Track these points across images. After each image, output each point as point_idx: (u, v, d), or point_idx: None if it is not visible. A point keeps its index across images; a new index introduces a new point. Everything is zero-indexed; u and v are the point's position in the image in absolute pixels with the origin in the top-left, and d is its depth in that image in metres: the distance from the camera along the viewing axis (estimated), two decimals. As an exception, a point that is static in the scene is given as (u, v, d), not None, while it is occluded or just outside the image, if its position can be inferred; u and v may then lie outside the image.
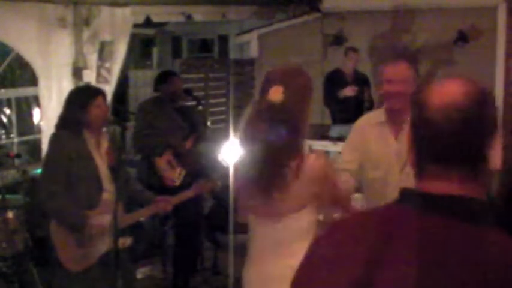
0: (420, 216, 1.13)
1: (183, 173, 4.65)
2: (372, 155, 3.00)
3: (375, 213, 1.27)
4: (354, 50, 6.64)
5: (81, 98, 3.35)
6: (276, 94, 2.14)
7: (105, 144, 3.39)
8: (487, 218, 1.12)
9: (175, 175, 4.62)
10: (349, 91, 6.33)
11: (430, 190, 1.15)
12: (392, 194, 1.24)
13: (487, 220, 1.11)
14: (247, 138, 2.23)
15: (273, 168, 2.15)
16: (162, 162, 4.61)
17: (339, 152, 6.19)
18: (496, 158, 1.17)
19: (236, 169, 2.35)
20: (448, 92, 1.15)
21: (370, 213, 1.34)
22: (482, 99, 1.15)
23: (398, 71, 2.94)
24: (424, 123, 1.16)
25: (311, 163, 2.17)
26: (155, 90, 4.95)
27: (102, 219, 3.25)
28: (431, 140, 1.15)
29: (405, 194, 1.20)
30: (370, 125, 3.07)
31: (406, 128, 2.93)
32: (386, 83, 2.93)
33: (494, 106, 1.19)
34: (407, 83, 2.90)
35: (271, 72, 2.28)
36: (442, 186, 1.14)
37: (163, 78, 4.88)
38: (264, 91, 2.20)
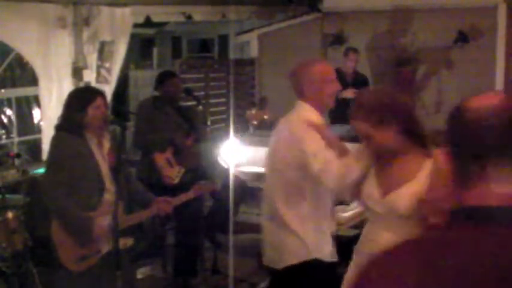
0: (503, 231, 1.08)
1: (182, 171, 4.66)
2: None
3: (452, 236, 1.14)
4: (354, 50, 6.65)
5: (81, 99, 3.35)
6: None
7: (107, 144, 3.39)
8: None
9: (174, 173, 4.63)
10: (349, 93, 6.32)
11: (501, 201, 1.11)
12: None
13: None
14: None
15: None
16: (161, 160, 4.62)
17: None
18: None
19: None
20: (486, 97, 1.17)
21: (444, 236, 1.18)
22: None
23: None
24: (466, 126, 1.16)
25: None
26: (155, 90, 4.96)
27: (103, 219, 3.25)
28: (480, 139, 1.14)
29: (473, 211, 1.13)
30: None
31: None
32: None
33: None
34: None
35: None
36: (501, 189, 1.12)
37: (163, 79, 4.88)
38: None
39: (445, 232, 1.16)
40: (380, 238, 2.40)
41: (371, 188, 2.50)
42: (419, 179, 2.36)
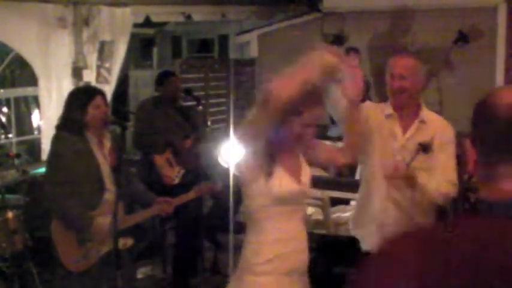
0: None
1: (182, 171, 4.66)
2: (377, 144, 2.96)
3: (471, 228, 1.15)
4: (355, 50, 6.61)
5: (80, 98, 3.35)
6: None
7: (107, 144, 3.39)
8: None
9: (174, 173, 4.63)
10: None
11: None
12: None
13: None
14: None
15: None
16: (161, 160, 4.61)
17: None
18: None
19: None
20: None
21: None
22: None
23: (402, 66, 2.86)
24: (496, 122, 1.15)
25: None
26: (156, 90, 4.96)
27: (103, 219, 3.25)
28: (506, 137, 1.14)
29: (496, 205, 1.15)
30: (383, 114, 2.99)
31: (416, 125, 2.91)
32: (390, 78, 2.87)
33: None
34: (412, 78, 2.84)
35: None
36: None
37: (163, 79, 4.88)
38: None
39: (451, 224, 1.16)
40: None
41: None
42: None
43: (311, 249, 2.66)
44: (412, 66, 2.86)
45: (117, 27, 5.59)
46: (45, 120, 5.35)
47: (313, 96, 2.27)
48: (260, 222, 2.38)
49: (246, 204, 2.42)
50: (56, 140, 3.34)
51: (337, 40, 7.65)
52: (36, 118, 7.27)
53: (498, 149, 1.15)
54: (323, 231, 4.16)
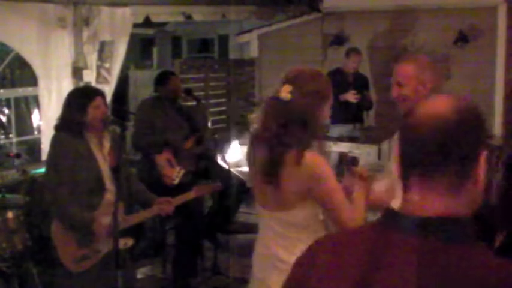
0: (407, 239, 1.12)
1: (182, 172, 4.65)
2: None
3: (362, 234, 1.24)
4: (356, 51, 6.58)
5: (80, 99, 3.35)
6: (284, 92, 2.22)
7: (107, 144, 3.39)
8: (468, 237, 1.11)
9: (175, 174, 4.62)
10: (350, 97, 6.30)
11: (414, 210, 1.14)
12: None
13: (468, 239, 1.11)
14: (256, 130, 2.35)
15: (268, 159, 2.23)
16: (161, 160, 4.61)
17: (340, 152, 6.18)
18: (481, 175, 1.14)
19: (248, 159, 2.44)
20: (435, 103, 1.15)
21: (356, 233, 1.30)
22: (468, 114, 1.14)
23: (400, 73, 2.67)
24: (409, 131, 1.15)
25: (309, 159, 2.19)
26: (156, 90, 4.95)
27: (104, 219, 3.25)
28: (415, 148, 1.14)
29: (390, 216, 1.18)
30: None
31: None
32: (396, 86, 2.67)
33: (481, 122, 1.16)
34: (412, 84, 2.62)
35: (289, 71, 2.32)
36: (426, 201, 1.13)
37: (163, 79, 4.88)
38: (277, 88, 2.27)
39: (367, 231, 1.23)
40: None
41: None
42: None
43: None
44: (410, 73, 2.64)
45: (117, 27, 5.59)
46: (45, 120, 5.35)
47: None
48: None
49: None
50: (55, 141, 3.34)
51: (337, 40, 7.65)
52: (36, 118, 7.27)
53: (411, 162, 1.16)
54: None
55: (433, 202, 1.13)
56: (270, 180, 2.23)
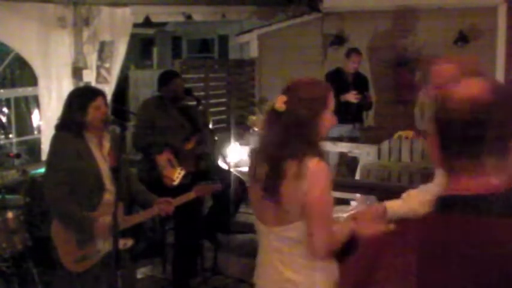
0: (468, 219, 1.14)
1: (183, 172, 4.65)
2: None
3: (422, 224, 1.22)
4: (357, 51, 6.57)
5: (81, 99, 3.35)
6: (279, 103, 2.22)
7: (107, 144, 3.39)
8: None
9: (175, 174, 4.61)
10: (351, 97, 6.29)
11: (462, 191, 1.16)
12: None
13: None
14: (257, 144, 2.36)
15: (269, 172, 2.21)
16: (162, 161, 4.61)
17: (340, 152, 6.19)
18: None
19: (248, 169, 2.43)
20: (469, 86, 1.18)
21: (416, 223, 1.27)
22: (503, 93, 1.17)
23: (444, 74, 2.50)
24: (449, 116, 1.17)
25: (311, 168, 2.15)
26: (159, 90, 4.93)
27: (103, 220, 3.25)
28: (457, 132, 1.16)
29: (447, 200, 1.19)
30: None
31: None
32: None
33: None
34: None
35: (290, 82, 2.32)
36: (476, 180, 1.16)
37: (167, 79, 4.85)
38: (274, 100, 2.28)
39: (430, 218, 1.22)
40: None
41: None
42: None
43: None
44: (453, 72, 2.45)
45: (117, 27, 5.60)
46: (45, 120, 5.35)
47: None
48: None
49: None
50: (55, 141, 3.34)
51: (337, 40, 7.65)
52: (36, 118, 7.27)
53: (455, 146, 1.18)
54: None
55: (482, 181, 1.16)
56: (270, 194, 2.20)
